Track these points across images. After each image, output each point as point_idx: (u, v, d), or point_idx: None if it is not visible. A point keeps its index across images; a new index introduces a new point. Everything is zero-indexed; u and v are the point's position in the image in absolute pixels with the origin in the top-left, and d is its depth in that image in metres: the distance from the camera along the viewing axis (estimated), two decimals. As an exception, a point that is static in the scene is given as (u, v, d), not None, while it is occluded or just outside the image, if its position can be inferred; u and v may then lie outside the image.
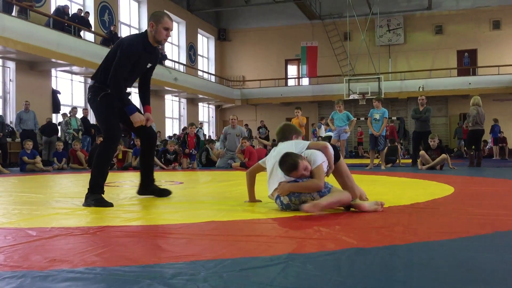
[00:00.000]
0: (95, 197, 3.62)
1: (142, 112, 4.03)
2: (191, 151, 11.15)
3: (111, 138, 3.79)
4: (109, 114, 3.80)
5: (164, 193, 4.21)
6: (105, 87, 3.77)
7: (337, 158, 3.39)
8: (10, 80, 13.53)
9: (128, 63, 3.73)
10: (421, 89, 21.51)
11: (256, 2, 23.62)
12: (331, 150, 3.36)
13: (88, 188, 3.70)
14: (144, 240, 2.28)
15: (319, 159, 3.21)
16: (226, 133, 11.45)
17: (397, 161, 11.42)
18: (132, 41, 3.81)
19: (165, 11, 4.30)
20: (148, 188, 4.21)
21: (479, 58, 23.17)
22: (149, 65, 3.99)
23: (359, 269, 1.69)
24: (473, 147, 10.25)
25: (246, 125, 22.34)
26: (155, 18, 3.82)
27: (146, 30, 3.89)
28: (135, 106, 3.87)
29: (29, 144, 10.58)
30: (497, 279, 1.58)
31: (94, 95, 3.82)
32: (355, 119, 10.70)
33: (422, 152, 9.16)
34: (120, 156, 11.44)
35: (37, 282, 1.54)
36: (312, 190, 3.10)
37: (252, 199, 3.66)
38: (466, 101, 19.12)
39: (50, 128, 12.80)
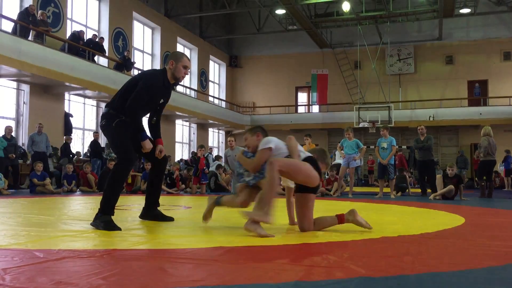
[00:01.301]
0: (105, 219, 3.63)
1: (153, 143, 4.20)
2: (203, 169, 11.16)
3: (127, 161, 3.84)
4: (125, 138, 3.89)
5: (166, 219, 4.25)
6: (119, 114, 3.89)
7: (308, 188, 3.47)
8: (24, 102, 13.74)
9: (147, 95, 3.89)
10: (431, 119, 21.46)
11: (267, 30, 23.95)
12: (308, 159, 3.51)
13: (99, 208, 3.73)
14: (150, 264, 2.27)
15: (263, 145, 3.46)
16: (226, 155, 11.50)
17: (407, 190, 11.34)
18: (154, 75, 4.03)
19: (185, 53, 4.53)
20: (151, 212, 4.26)
21: (490, 89, 23.14)
22: (161, 100, 4.15)
23: (366, 299, 1.67)
24: (484, 177, 10.15)
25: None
26: (175, 57, 4.06)
27: (165, 67, 4.09)
28: (147, 134, 4.06)
29: (39, 166, 10.67)
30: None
31: (108, 121, 3.91)
32: (365, 147, 10.67)
33: (438, 176, 9.24)
34: (129, 180, 11.47)
35: (42, 304, 1.54)
36: (245, 166, 3.58)
37: (292, 221, 3.95)
38: (477, 131, 19.05)
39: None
